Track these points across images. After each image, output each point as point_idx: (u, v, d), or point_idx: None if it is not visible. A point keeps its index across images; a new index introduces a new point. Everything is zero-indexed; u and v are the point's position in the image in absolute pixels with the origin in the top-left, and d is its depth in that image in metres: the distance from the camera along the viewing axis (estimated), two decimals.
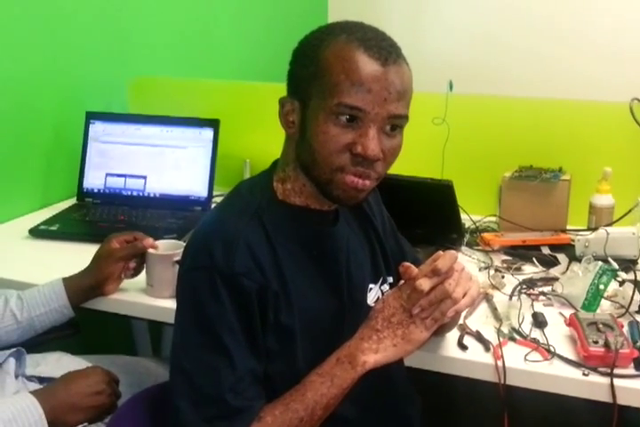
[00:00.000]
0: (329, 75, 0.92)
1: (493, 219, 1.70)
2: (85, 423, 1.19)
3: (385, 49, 0.92)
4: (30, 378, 1.28)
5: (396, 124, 0.95)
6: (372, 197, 1.16)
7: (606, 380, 1.07)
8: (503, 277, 1.44)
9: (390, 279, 1.13)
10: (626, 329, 1.18)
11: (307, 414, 0.93)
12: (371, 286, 1.10)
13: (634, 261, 1.45)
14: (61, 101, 1.92)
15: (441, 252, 0.95)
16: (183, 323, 0.97)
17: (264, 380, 0.96)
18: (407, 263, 0.96)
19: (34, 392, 1.16)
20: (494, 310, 1.29)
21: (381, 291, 1.11)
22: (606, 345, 1.09)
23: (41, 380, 1.28)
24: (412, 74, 0.96)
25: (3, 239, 1.70)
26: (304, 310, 0.98)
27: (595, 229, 1.52)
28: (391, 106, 0.92)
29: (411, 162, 1.63)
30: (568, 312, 1.24)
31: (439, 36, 3.23)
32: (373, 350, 0.93)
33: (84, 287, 1.35)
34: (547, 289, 1.37)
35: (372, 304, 1.04)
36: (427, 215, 1.56)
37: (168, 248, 1.38)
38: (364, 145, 0.92)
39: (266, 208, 0.99)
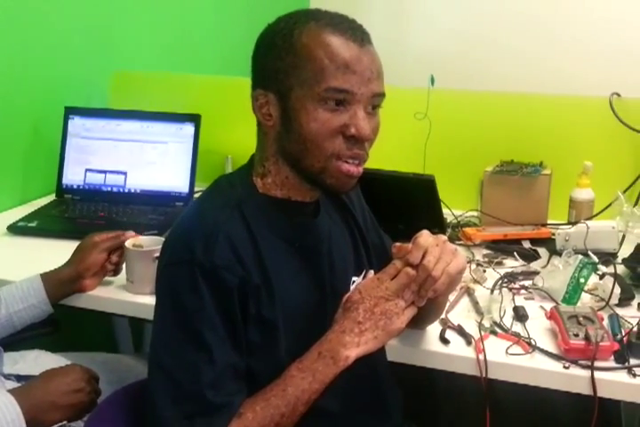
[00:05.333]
0: (311, 62, 0.92)
1: (475, 213, 1.71)
2: (64, 422, 1.17)
3: (358, 30, 0.95)
4: (8, 376, 1.27)
5: (376, 103, 0.97)
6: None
7: (587, 372, 1.07)
8: (484, 271, 1.44)
9: (372, 272, 1.12)
10: (606, 322, 1.18)
11: (288, 409, 0.92)
12: (354, 278, 1.09)
13: (613, 255, 1.46)
14: (40, 96, 1.89)
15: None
16: (162, 318, 0.96)
17: (247, 373, 0.95)
18: (398, 244, 0.96)
19: (12, 391, 1.14)
20: (476, 304, 1.30)
21: None
22: (587, 338, 1.09)
23: (19, 378, 1.27)
24: None
25: None
26: (286, 303, 0.97)
27: (575, 223, 1.53)
28: (374, 85, 0.94)
29: (392, 157, 1.64)
30: (549, 306, 1.25)
31: (421, 31, 3.23)
32: (355, 344, 0.93)
33: (63, 280, 1.33)
34: (528, 283, 1.37)
35: None
36: (409, 210, 1.56)
37: (149, 244, 1.36)
38: (357, 126, 0.93)
39: (246, 201, 0.99)
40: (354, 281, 1.09)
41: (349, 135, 0.93)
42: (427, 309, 1.02)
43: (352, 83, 0.92)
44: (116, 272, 1.40)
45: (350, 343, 0.93)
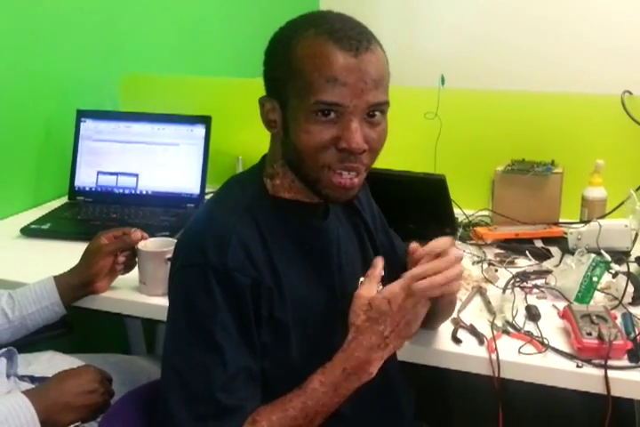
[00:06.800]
0: (302, 74, 0.91)
1: (486, 213, 1.70)
2: (78, 423, 1.18)
3: (354, 38, 0.90)
4: (22, 378, 1.27)
5: (376, 111, 0.93)
6: (361, 190, 1.16)
7: (600, 371, 1.07)
8: (496, 270, 1.44)
9: (382, 272, 1.12)
10: (619, 321, 1.18)
11: (306, 422, 0.93)
12: (362, 279, 1.09)
13: (626, 253, 1.45)
14: (52, 100, 1.90)
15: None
16: (175, 321, 0.96)
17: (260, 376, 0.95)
18: (414, 244, 0.98)
19: (26, 392, 1.15)
20: (488, 303, 1.29)
21: None
22: (600, 337, 1.09)
23: (33, 379, 1.28)
24: (385, 56, 0.95)
25: None
26: (297, 304, 0.97)
27: (587, 222, 1.52)
28: (369, 96, 0.91)
29: (403, 157, 1.63)
30: (561, 305, 1.24)
31: (430, 31, 3.23)
32: (380, 358, 0.94)
33: (74, 285, 1.34)
34: (540, 282, 1.37)
35: None
36: (419, 210, 1.56)
37: (161, 245, 1.37)
38: (347, 139, 0.91)
39: (257, 204, 0.99)
40: (362, 281, 1.09)
41: (341, 148, 0.92)
42: (437, 308, 1.02)
43: (343, 96, 0.89)
44: (129, 268, 1.39)
45: (376, 360, 0.94)
